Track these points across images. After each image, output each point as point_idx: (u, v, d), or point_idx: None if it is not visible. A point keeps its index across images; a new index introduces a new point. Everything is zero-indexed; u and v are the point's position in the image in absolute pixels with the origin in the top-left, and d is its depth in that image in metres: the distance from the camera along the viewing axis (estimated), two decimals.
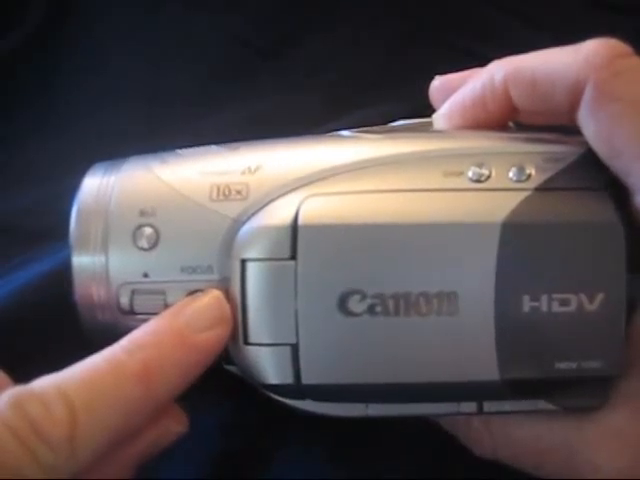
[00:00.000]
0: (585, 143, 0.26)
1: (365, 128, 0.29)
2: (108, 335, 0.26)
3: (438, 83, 0.30)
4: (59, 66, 0.42)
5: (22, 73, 0.42)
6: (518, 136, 0.27)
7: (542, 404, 0.26)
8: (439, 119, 0.29)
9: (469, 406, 0.26)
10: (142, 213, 0.25)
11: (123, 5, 0.43)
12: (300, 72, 0.42)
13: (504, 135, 0.27)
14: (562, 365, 0.25)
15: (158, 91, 0.41)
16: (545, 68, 0.26)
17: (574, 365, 0.25)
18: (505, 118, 0.28)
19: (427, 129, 0.29)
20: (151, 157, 0.27)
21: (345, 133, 0.28)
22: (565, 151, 0.26)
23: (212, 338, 0.25)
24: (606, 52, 0.25)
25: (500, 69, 0.27)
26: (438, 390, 0.25)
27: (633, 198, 0.25)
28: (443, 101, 0.30)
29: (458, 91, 0.29)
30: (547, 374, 0.25)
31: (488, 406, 0.26)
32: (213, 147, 0.28)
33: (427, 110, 0.30)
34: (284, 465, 0.31)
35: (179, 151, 0.28)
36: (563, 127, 0.27)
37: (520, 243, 0.24)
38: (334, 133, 0.29)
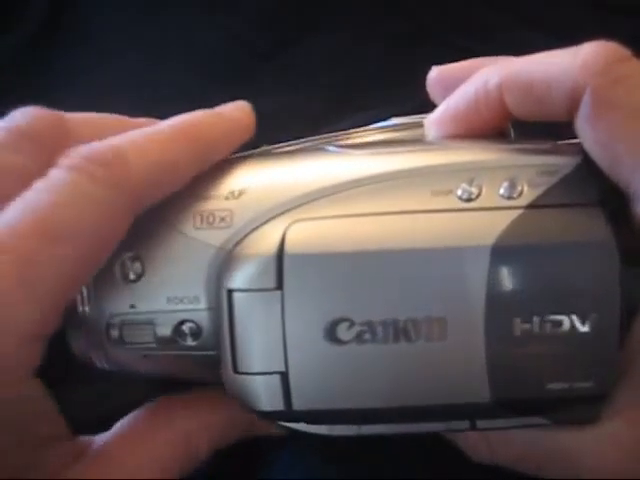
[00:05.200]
0: (580, 151, 0.26)
1: (352, 135, 0.29)
2: (102, 364, 0.26)
3: (436, 73, 0.30)
4: (58, 66, 0.43)
5: (21, 73, 0.43)
6: (510, 147, 0.26)
7: (534, 419, 0.26)
8: (431, 125, 0.28)
9: (462, 424, 0.26)
10: (125, 244, 0.25)
11: (123, 5, 0.43)
12: (300, 73, 0.42)
13: (496, 146, 0.26)
14: (554, 386, 0.24)
15: (158, 91, 0.41)
16: (541, 73, 0.26)
17: (566, 386, 0.24)
18: (499, 124, 0.28)
19: (420, 128, 0.29)
20: None
21: (331, 148, 0.27)
22: (559, 163, 0.25)
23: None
24: (604, 57, 0.25)
25: (494, 74, 0.27)
26: (430, 412, 0.25)
27: (634, 207, 0.25)
28: (441, 92, 0.29)
29: (450, 96, 0.28)
30: (538, 395, 0.25)
31: (481, 424, 0.26)
32: None
33: (428, 110, 0.30)
34: (284, 465, 0.31)
35: None
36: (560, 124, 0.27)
37: (510, 265, 0.24)
38: (320, 147, 0.28)
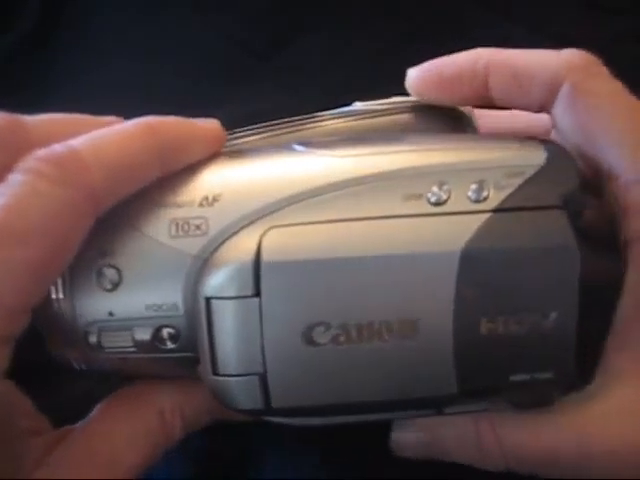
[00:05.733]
0: (544, 150, 0.26)
1: (316, 123, 0.29)
2: (79, 366, 0.27)
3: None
4: (56, 65, 0.43)
5: (20, 72, 0.42)
6: (478, 144, 0.27)
7: (495, 404, 0.27)
8: (412, 77, 0.30)
9: (429, 411, 0.27)
10: (102, 253, 0.25)
11: (121, 5, 0.44)
12: (297, 73, 0.42)
13: (464, 144, 0.27)
14: (516, 377, 0.26)
15: (155, 91, 0.41)
16: (527, 62, 0.28)
17: (527, 377, 0.26)
18: (475, 102, 0.30)
19: (384, 116, 0.30)
20: None
21: (298, 148, 0.27)
22: (524, 164, 0.26)
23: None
24: (584, 58, 0.28)
25: (484, 55, 0.29)
26: (400, 404, 0.27)
27: (608, 184, 0.28)
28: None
29: (438, 60, 0.30)
30: (502, 385, 0.26)
31: (447, 410, 0.27)
32: None
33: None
34: (274, 465, 0.31)
35: None
36: None
37: (478, 269, 0.25)
38: (288, 146, 0.28)
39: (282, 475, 0.32)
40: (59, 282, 0.25)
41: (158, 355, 0.26)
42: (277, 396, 0.25)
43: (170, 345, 0.26)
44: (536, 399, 0.27)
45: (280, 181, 0.26)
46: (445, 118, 0.30)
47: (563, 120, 0.28)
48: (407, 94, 0.31)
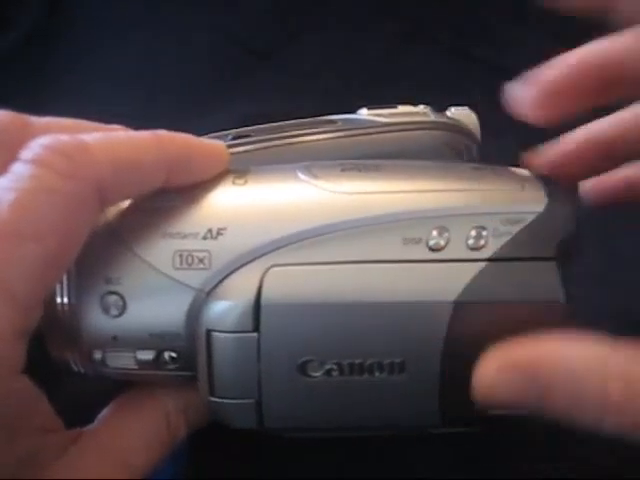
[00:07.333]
0: (544, 196, 0.27)
1: (320, 136, 0.29)
2: (78, 369, 0.28)
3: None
4: (57, 65, 0.43)
5: (19, 71, 0.42)
6: (480, 186, 0.27)
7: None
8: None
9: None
10: (108, 280, 0.26)
11: (121, 5, 0.43)
12: (298, 73, 0.42)
13: (467, 184, 0.27)
14: (494, 411, 0.27)
15: (155, 90, 0.41)
16: None
17: (505, 411, 0.27)
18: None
19: (396, 129, 0.30)
20: (113, 213, 0.27)
21: (303, 177, 0.27)
22: (522, 210, 0.26)
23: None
24: None
25: None
26: (385, 430, 0.28)
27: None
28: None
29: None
30: (480, 417, 0.27)
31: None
32: (173, 196, 0.27)
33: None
34: (279, 464, 0.32)
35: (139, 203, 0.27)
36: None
37: (469, 318, 0.26)
38: (293, 172, 0.27)
39: (284, 474, 0.32)
40: (66, 300, 0.26)
41: (159, 372, 0.27)
42: (270, 418, 0.27)
43: (171, 366, 0.27)
44: (510, 429, 0.28)
45: (283, 218, 0.26)
46: (454, 135, 0.30)
47: None
48: (410, 101, 0.32)
